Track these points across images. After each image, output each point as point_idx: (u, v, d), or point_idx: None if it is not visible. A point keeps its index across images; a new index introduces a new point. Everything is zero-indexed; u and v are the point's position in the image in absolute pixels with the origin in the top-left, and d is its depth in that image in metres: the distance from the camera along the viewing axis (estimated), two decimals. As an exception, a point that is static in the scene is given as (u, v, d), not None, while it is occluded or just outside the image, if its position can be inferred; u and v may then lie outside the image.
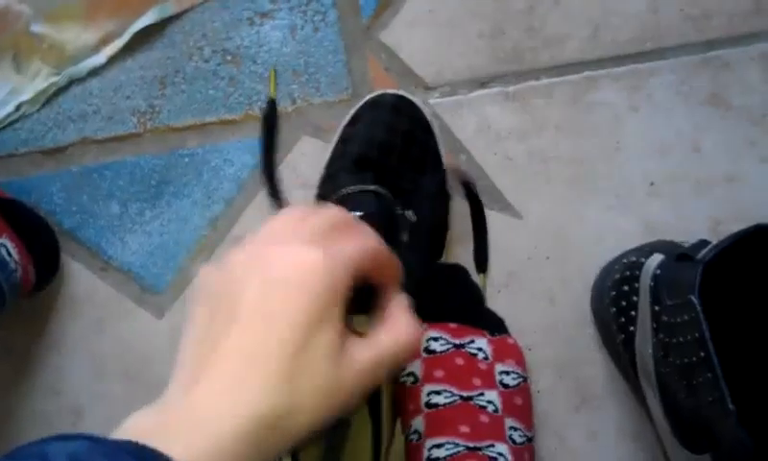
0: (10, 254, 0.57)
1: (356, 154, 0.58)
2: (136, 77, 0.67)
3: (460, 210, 0.62)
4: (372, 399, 0.53)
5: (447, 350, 0.55)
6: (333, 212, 0.39)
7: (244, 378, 0.32)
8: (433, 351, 0.55)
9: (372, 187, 0.55)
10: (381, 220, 0.53)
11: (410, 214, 0.57)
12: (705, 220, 0.61)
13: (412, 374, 0.55)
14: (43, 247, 0.63)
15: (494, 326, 0.58)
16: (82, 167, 0.66)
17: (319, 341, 0.34)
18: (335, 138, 0.61)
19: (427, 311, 0.57)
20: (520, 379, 0.56)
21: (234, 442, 0.30)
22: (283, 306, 0.34)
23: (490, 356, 0.55)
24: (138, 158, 0.66)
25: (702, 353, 0.40)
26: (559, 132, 0.64)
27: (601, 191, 0.62)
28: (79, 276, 0.65)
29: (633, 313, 0.50)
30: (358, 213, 0.52)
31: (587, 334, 0.60)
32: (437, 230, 0.60)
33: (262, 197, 0.64)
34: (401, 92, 0.61)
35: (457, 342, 0.56)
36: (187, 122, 0.66)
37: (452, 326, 0.56)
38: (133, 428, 0.31)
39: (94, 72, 0.67)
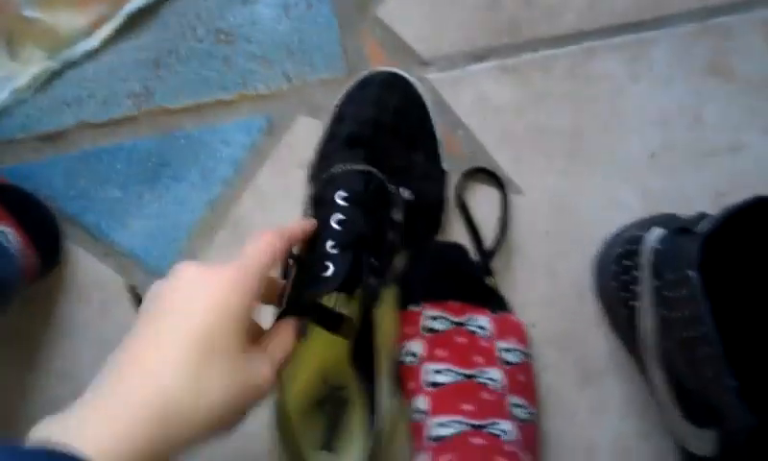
0: (10, 242, 0.57)
1: (348, 133, 0.58)
2: (130, 59, 0.66)
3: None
4: (363, 368, 0.53)
5: (448, 328, 0.55)
6: None
7: (157, 372, 0.37)
8: (434, 330, 0.55)
9: (360, 167, 0.54)
10: (369, 199, 0.53)
11: (405, 192, 0.56)
12: (706, 191, 0.60)
13: (412, 353, 0.55)
14: (45, 233, 0.62)
15: (496, 303, 0.58)
16: (79, 151, 0.66)
17: (224, 342, 0.39)
18: (327, 118, 0.61)
19: (427, 290, 0.57)
20: (523, 356, 0.55)
21: (144, 426, 0.35)
22: (197, 309, 0.39)
23: (491, 334, 0.55)
24: (135, 141, 0.65)
25: (702, 328, 0.40)
26: (558, 104, 0.63)
27: (601, 164, 0.62)
28: (82, 260, 0.65)
29: (634, 288, 0.50)
30: (345, 193, 0.52)
31: (589, 309, 0.60)
32: (433, 207, 0.60)
33: (260, 177, 0.64)
34: (393, 69, 0.60)
35: (457, 320, 0.55)
36: (183, 103, 0.65)
37: (452, 304, 0.56)
38: (47, 431, 0.34)
39: (88, 56, 0.66)
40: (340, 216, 0.51)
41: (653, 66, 0.63)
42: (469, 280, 0.58)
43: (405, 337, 0.56)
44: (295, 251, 0.49)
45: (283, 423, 0.52)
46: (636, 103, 0.62)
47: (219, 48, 0.66)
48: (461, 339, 0.54)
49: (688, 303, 0.41)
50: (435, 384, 0.53)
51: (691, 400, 0.47)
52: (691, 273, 0.41)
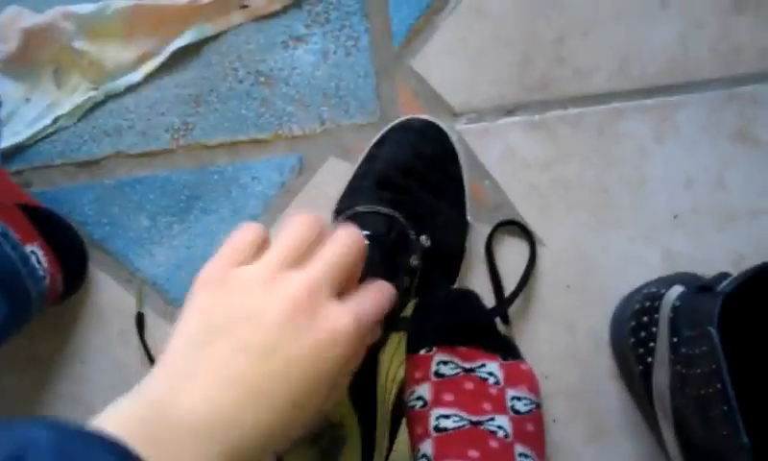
0: (39, 262, 0.59)
1: (378, 174, 0.59)
2: (171, 94, 0.68)
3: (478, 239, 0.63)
4: (363, 409, 0.53)
5: (457, 374, 0.55)
6: (343, 246, 0.40)
7: (242, 422, 0.33)
8: (442, 375, 0.55)
9: (385, 210, 0.56)
10: (389, 243, 0.53)
11: (424, 239, 0.57)
12: (728, 254, 0.60)
13: (421, 397, 0.55)
14: (72, 256, 0.64)
15: (507, 350, 0.58)
16: (114, 180, 0.68)
17: (314, 405, 0.36)
18: (361, 157, 0.62)
19: (438, 335, 0.57)
20: (533, 406, 0.55)
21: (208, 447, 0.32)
22: (305, 364, 0.35)
23: (501, 381, 0.55)
24: (170, 174, 0.67)
25: (718, 385, 0.40)
26: (584, 161, 0.64)
27: (624, 221, 0.62)
28: (105, 286, 0.66)
29: (651, 344, 0.50)
30: (366, 233, 0.53)
31: (604, 364, 0.60)
32: (452, 256, 0.61)
33: (287, 215, 0.66)
34: (431, 118, 0.62)
35: (467, 366, 0.56)
36: (219, 140, 0.67)
37: (462, 349, 0.56)
38: (118, 425, 0.31)
39: (131, 88, 0.68)
40: None
41: (680, 129, 0.64)
42: (482, 327, 0.58)
43: (414, 382, 0.56)
44: None
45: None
46: (662, 164, 0.63)
47: (258, 89, 0.68)
48: (469, 385, 0.54)
49: (706, 359, 0.42)
50: (441, 429, 0.52)
51: (703, 458, 0.46)
52: (711, 329, 0.41)
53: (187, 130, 0.68)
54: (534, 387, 0.56)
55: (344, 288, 0.40)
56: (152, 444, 0.30)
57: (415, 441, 0.54)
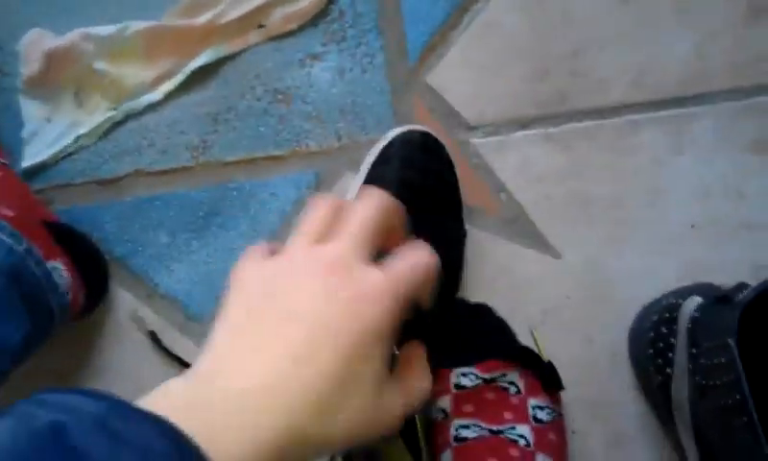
0: (62, 277, 0.60)
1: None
2: (191, 113, 0.69)
3: (484, 251, 0.63)
4: (407, 430, 0.53)
5: (477, 385, 0.55)
6: (371, 212, 0.39)
7: (287, 389, 0.32)
8: (463, 387, 0.55)
9: None
10: None
11: None
12: (745, 264, 0.60)
13: (442, 410, 0.55)
14: (94, 272, 0.65)
15: (528, 360, 0.58)
16: (134, 198, 0.68)
17: (366, 372, 0.35)
18: (362, 170, 0.62)
19: (457, 352, 0.57)
20: (554, 415, 0.55)
21: (269, 453, 0.31)
22: (344, 323, 0.34)
23: (522, 390, 0.55)
24: (189, 191, 0.68)
25: (737, 396, 0.40)
26: (600, 173, 0.64)
27: (641, 233, 0.62)
28: (125, 302, 0.67)
29: (670, 355, 0.50)
30: None
31: (623, 375, 0.59)
32: (455, 270, 0.60)
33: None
34: (426, 128, 0.62)
35: (487, 377, 0.55)
36: (237, 157, 0.68)
37: (481, 364, 0.56)
38: (164, 403, 0.30)
39: (150, 108, 0.69)
40: None
41: (696, 141, 0.64)
42: (500, 337, 0.58)
43: (436, 394, 0.56)
44: None
45: None
46: (679, 175, 0.63)
47: (275, 107, 0.69)
48: (490, 395, 0.54)
49: (726, 370, 0.41)
50: (461, 439, 0.52)
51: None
52: (730, 340, 0.41)
53: (206, 147, 0.69)
54: (555, 397, 0.56)
55: (386, 248, 0.40)
56: (197, 420, 0.29)
57: (436, 451, 0.54)
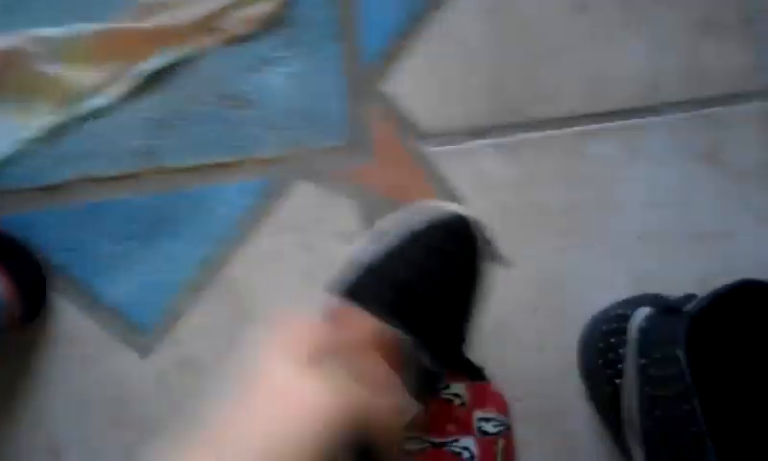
0: (-2, 289, 0.57)
1: (397, 279, 0.49)
2: (138, 118, 0.67)
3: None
4: None
5: None
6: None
7: None
8: None
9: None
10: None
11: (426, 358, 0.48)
12: (694, 275, 0.61)
13: None
14: (32, 283, 0.63)
15: (474, 373, 0.57)
16: (79, 204, 0.66)
17: None
18: (382, 243, 0.51)
19: None
20: (502, 427, 0.54)
21: None
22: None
23: (467, 402, 0.54)
24: (135, 198, 0.66)
25: (687, 408, 0.39)
26: (552, 183, 0.64)
27: (593, 242, 0.63)
28: (65, 312, 0.65)
29: (620, 366, 0.50)
30: None
31: (574, 386, 0.59)
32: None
33: (254, 239, 0.65)
34: (460, 210, 0.52)
35: None
36: (186, 164, 0.66)
37: None
38: None
39: (97, 112, 0.67)
40: None
41: (648, 151, 0.64)
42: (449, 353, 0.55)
43: None
44: None
45: None
46: (630, 186, 0.64)
47: (227, 112, 0.67)
48: (433, 407, 0.53)
49: (674, 381, 0.41)
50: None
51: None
52: (678, 351, 0.41)
53: (153, 153, 0.67)
54: (503, 408, 0.56)
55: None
56: None
57: None
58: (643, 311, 0.49)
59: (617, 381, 0.51)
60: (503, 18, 0.67)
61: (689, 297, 0.45)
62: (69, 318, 0.65)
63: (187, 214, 0.66)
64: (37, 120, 0.67)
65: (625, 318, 0.51)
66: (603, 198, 0.63)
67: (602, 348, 0.53)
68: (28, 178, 0.67)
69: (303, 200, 0.64)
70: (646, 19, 0.67)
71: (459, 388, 0.55)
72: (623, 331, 0.50)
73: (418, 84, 0.67)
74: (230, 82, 0.68)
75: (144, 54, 0.68)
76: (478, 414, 0.54)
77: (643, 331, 0.47)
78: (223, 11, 0.68)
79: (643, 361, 0.46)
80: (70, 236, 0.66)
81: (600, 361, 0.53)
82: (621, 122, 0.65)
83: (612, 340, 0.52)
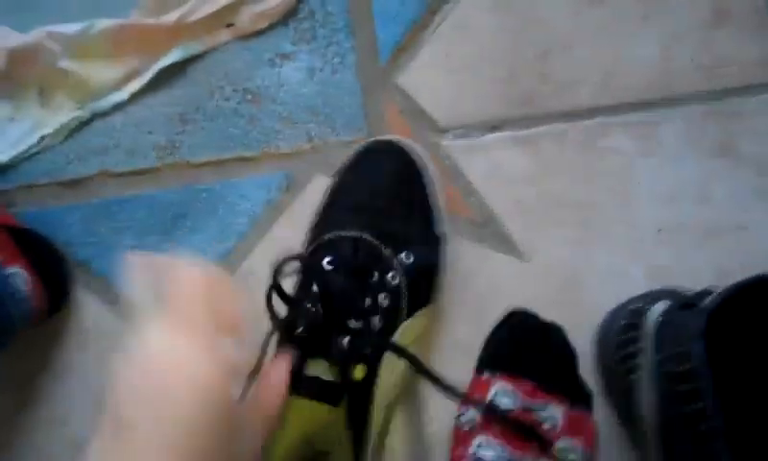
0: (22, 283, 0.58)
1: (346, 200, 0.59)
2: (158, 113, 0.68)
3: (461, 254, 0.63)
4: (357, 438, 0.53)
5: (513, 409, 0.52)
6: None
7: None
8: (496, 406, 0.52)
9: (351, 233, 0.55)
10: (357, 264, 0.54)
11: (404, 256, 0.57)
12: (711, 268, 0.61)
13: (470, 420, 0.53)
14: (57, 277, 0.64)
15: (579, 397, 0.54)
16: (100, 199, 0.67)
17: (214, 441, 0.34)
18: (330, 184, 0.62)
19: (511, 362, 0.55)
20: (582, 459, 0.52)
21: None
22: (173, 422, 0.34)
23: (558, 428, 0.51)
24: (156, 193, 0.67)
25: (703, 404, 0.40)
26: (569, 176, 0.64)
27: (609, 237, 0.63)
28: (89, 306, 0.66)
29: (636, 361, 0.50)
30: (330, 258, 0.54)
31: (591, 380, 0.59)
32: (430, 270, 0.59)
33: (274, 232, 0.66)
34: (393, 137, 0.61)
35: (528, 403, 0.52)
36: (206, 158, 0.67)
37: (528, 384, 0.53)
38: None
39: (117, 108, 0.68)
40: (322, 280, 0.52)
41: (663, 144, 0.64)
42: (559, 366, 0.55)
43: (470, 402, 0.53)
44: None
45: None
46: (646, 179, 0.64)
47: (245, 107, 0.68)
48: (522, 424, 0.51)
49: (690, 377, 0.42)
50: (479, 459, 0.50)
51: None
52: (694, 347, 0.41)
53: (174, 148, 0.68)
54: (590, 443, 0.53)
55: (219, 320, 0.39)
56: None
57: (452, 460, 0.53)
58: (660, 306, 0.49)
59: (634, 376, 0.51)
60: (516, 8, 0.67)
61: (706, 292, 0.46)
62: (92, 312, 0.66)
63: (207, 209, 0.67)
64: (58, 116, 0.68)
65: (642, 313, 0.51)
66: (619, 191, 0.64)
67: (619, 342, 0.54)
68: (50, 173, 0.68)
69: (321, 193, 0.65)
70: (661, 10, 0.66)
71: (557, 411, 0.52)
72: (640, 326, 0.51)
73: (432, 76, 0.67)
74: (247, 76, 0.68)
75: (161, 49, 0.68)
76: (563, 443, 0.51)
77: (660, 327, 0.48)
78: (238, 5, 0.69)
79: (659, 356, 0.47)
80: (92, 231, 0.67)
81: (617, 356, 0.54)
82: (636, 115, 0.65)
83: (630, 335, 0.52)
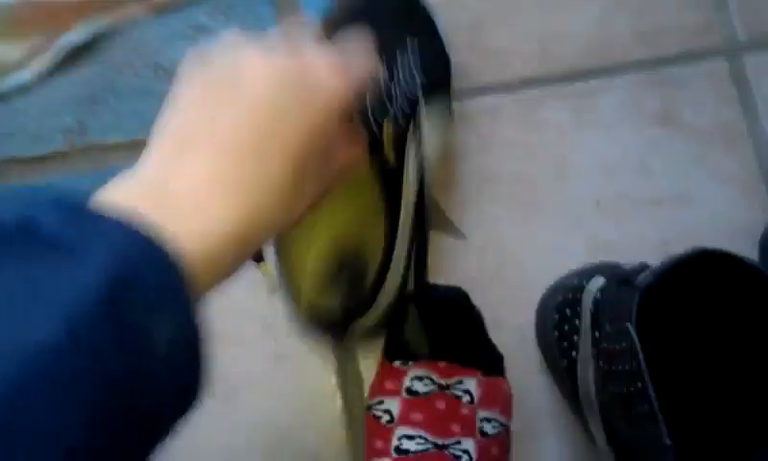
0: None
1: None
2: (65, 94, 0.64)
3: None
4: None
5: (431, 391, 0.51)
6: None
7: (241, 176, 0.32)
8: (415, 393, 0.51)
9: None
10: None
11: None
12: (653, 240, 0.59)
13: (388, 411, 0.51)
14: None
15: (491, 364, 0.53)
16: (3, 187, 0.63)
17: (316, 150, 0.35)
18: None
19: (419, 346, 0.54)
20: (501, 428, 0.52)
21: (230, 244, 0.31)
22: (295, 108, 0.34)
23: (475, 400, 0.51)
24: (64, 178, 0.63)
25: (639, 384, 0.38)
26: (505, 150, 0.62)
27: (548, 210, 0.61)
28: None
29: (575, 338, 0.48)
30: None
31: (532, 359, 0.57)
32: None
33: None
34: None
35: (443, 383, 0.52)
36: (116, 140, 0.63)
37: (441, 364, 0.52)
38: (117, 197, 0.30)
39: (20, 89, 0.64)
40: None
41: (601, 115, 0.63)
42: (467, 336, 0.54)
43: (385, 392, 0.52)
44: None
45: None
46: (584, 150, 0.62)
47: (158, 84, 0.64)
48: (441, 404, 0.50)
49: (626, 356, 0.40)
50: (402, 451, 0.49)
51: (630, 457, 0.44)
52: (629, 326, 0.39)
53: (82, 130, 0.63)
54: (507, 408, 0.53)
55: None
56: (158, 216, 0.29)
57: (372, 454, 0.51)
58: (598, 282, 0.47)
59: (573, 354, 0.49)
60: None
61: (643, 266, 0.44)
62: None
63: (120, 194, 0.63)
64: (-44, 99, 0.63)
65: (580, 289, 0.49)
66: (558, 164, 0.62)
67: (557, 319, 0.52)
68: (-52, 161, 0.63)
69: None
70: (597, -24, 0.65)
71: (471, 384, 0.52)
72: (578, 302, 0.49)
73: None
74: (163, 52, 0.65)
75: (70, 25, 0.64)
76: (482, 414, 0.51)
77: (597, 303, 0.46)
78: (153, -23, 0.65)
79: (597, 334, 0.45)
80: (-5, 221, 0.62)
81: (556, 333, 0.52)
82: (572, 85, 0.63)
83: (567, 311, 0.50)
